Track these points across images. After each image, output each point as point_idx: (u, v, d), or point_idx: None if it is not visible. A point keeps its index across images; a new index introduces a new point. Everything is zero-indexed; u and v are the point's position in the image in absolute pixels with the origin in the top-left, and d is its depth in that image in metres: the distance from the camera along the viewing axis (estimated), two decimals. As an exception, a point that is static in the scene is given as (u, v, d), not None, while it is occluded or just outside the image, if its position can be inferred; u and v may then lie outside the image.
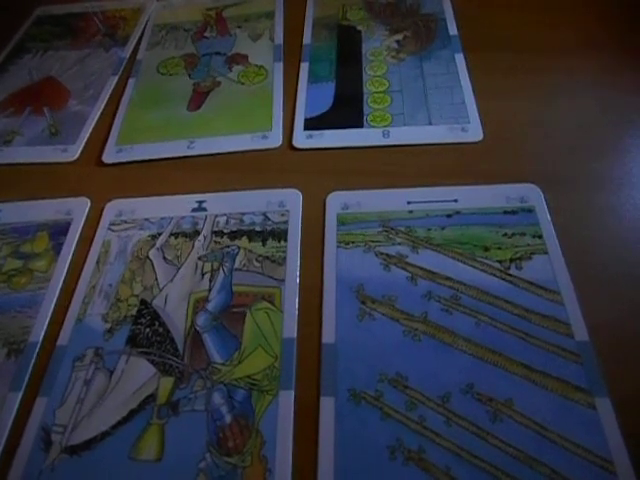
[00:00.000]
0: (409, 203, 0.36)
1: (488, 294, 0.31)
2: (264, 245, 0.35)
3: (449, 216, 0.35)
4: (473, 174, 0.37)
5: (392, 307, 0.31)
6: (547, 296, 0.31)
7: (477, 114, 0.41)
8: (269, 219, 0.36)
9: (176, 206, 0.38)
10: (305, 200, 0.37)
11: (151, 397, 0.30)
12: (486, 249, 0.33)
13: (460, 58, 0.45)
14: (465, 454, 0.26)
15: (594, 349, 0.29)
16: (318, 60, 0.47)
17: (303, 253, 0.34)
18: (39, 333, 0.33)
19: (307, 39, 0.49)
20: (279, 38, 0.50)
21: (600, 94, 0.42)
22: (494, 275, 0.32)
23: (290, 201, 0.37)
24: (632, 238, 0.33)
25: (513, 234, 0.34)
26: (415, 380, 0.29)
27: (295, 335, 0.31)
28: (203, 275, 0.34)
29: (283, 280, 0.33)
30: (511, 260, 0.32)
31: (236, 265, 0.34)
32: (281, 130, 0.42)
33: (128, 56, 0.51)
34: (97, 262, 0.36)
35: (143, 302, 0.34)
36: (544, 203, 0.35)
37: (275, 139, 0.41)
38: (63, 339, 0.32)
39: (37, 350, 0.32)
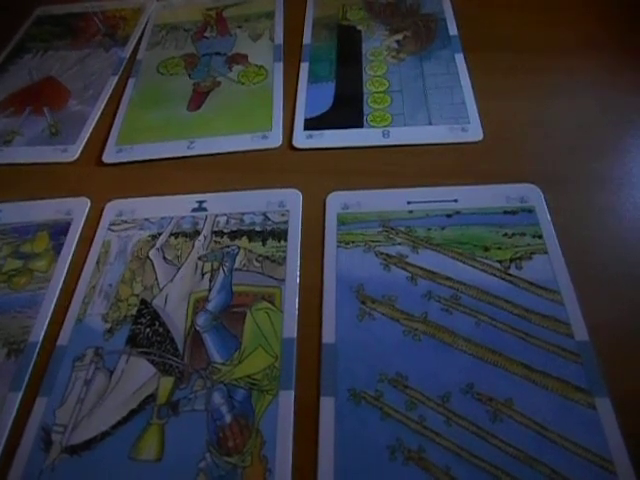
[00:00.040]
0: (409, 203, 0.36)
1: (488, 294, 0.31)
2: (264, 245, 0.35)
3: (449, 216, 0.35)
4: (473, 174, 0.37)
5: (392, 307, 0.31)
6: (547, 296, 0.31)
7: (477, 114, 0.41)
8: (269, 219, 0.36)
9: (176, 206, 0.38)
10: (305, 200, 0.37)
11: (151, 397, 0.30)
12: (486, 249, 0.33)
13: (460, 58, 0.45)
14: (465, 454, 0.26)
15: (594, 349, 0.29)
16: (318, 60, 0.47)
17: (303, 253, 0.34)
18: (39, 333, 0.33)
19: (307, 39, 0.49)
20: (279, 38, 0.50)
21: (600, 94, 0.42)
22: (494, 275, 0.32)
23: (290, 201, 0.37)
24: (632, 238, 0.33)
25: (513, 234, 0.34)
26: (415, 380, 0.29)
27: (295, 335, 0.31)
28: (203, 275, 0.34)
29: (283, 280, 0.33)
30: (511, 260, 0.32)
31: (236, 265, 0.34)
32: (281, 130, 0.42)
33: (128, 56, 0.51)
34: (97, 262, 0.36)
35: (143, 302, 0.34)
36: (544, 203, 0.35)
37: (275, 139, 0.41)
38: (63, 339, 0.32)
39: (37, 350, 0.32)
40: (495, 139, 0.39)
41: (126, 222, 0.38)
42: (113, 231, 0.37)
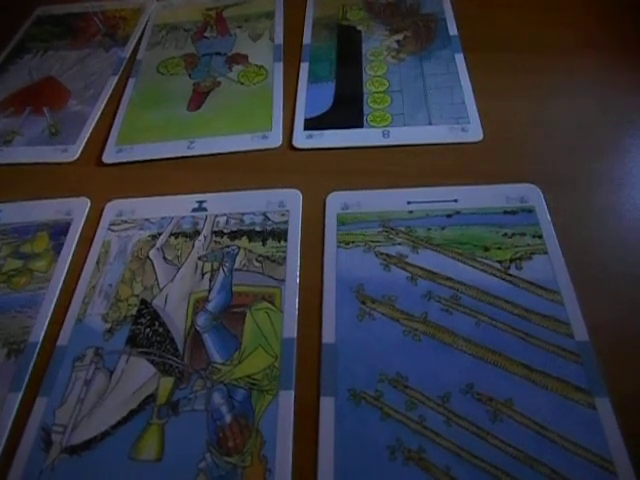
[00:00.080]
0: (409, 203, 0.36)
1: (488, 294, 0.31)
2: (264, 245, 0.35)
3: (449, 216, 0.35)
4: (473, 174, 0.37)
5: (392, 307, 0.31)
6: (547, 296, 0.31)
7: (477, 114, 0.41)
8: (269, 219, 0.36)
9: (176, 206, 0.38)
10: (305, 200, 0.37)
11: (151, 397, 0.30)
12: (486, 249, 0.33)
13: (460, 58, 0.45)
14: (465, 454, 0.26)
15: (594, 349, 0.29)
16: (318, 60, 0.47)
17: (303, 253, 0.34)
18: (39, 333, 0.33)
19: (307, 39, 0.49)
20: (279, 38, 0.50)
21: (600, 94, 0.42)
22: (494, 275, 0.32)
23: (290, 201, 0.37)
24: (632, 238, 0.33)
25: (513, 234, 0.34)
26: (415, 380, 0.29)
27: (295, 335, 0.31)
28: (203, 275, 0.34)
29: (283, 280, 0.33)
30: (511, 260, 0.32)
31: (236, 265, 0.34)
32: (281, 130, 0.42)
33: (128, 56, 0.51)
34: (97, 262, 0.36)
35: (143, 302, 0.34)
36: (544, 203, 0.35)
37: (275, 139, 0.41)
38: (63, 339, 0.32)
39: (37, 350, 0.32)
40: (495, 139, 0.39)
41: (126, 222, 0.38)
42: (113, 231, 0.37)
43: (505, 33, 0.47)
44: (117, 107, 0.46)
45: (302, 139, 0.41)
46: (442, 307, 0.31)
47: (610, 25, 0.47)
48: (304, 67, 0.47)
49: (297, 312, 0.32)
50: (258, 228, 0.36)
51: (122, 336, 0.32)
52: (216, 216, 0.37)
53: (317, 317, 0.31)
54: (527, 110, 0.41)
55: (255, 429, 0.28)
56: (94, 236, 0.37)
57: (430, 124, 0.41)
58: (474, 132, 0.40)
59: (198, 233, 0.36)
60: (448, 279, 0.32)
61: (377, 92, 0.44)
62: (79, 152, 0.43)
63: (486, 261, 0.33)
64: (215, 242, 0.36)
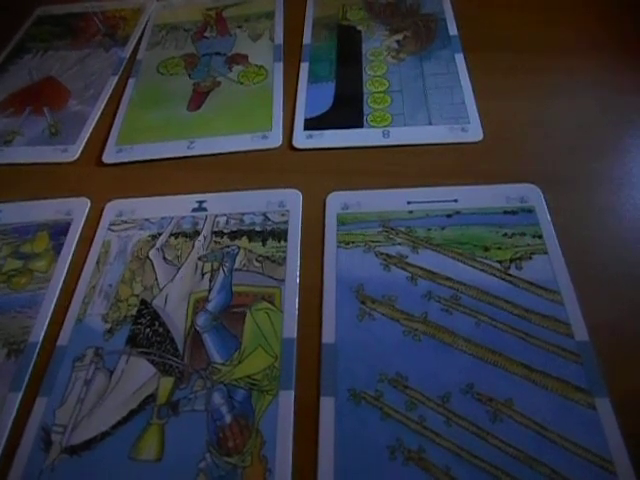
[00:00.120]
0: (409, 203, 0.36)
1: (488, 294, 0.31)
2: (264, 245, 0.35)
3: (449, 216, 0.35)
4: (473, 174, 0.37)
5: (392, 307, 0.31)
6: (547, 296, 0.31)
7: (477, 114, 0.41)
8: (269, 219, 0.36)
9: (176, 206, 0.38)
10: (305, 200, 0.37)
11: (151, 397, 0.30)
12: (486, 249, 0.33)
13: (460, 58, 0.45)
14: (465, 454, 0.26)
15: (594, 349, 0.29)
16: (318, 60, 0.47)
17: (303, 253, 0.34)
18: (39, 333, 0.33)
19: (307, 39, 0.49)
20: (279, 38, 0.50)
21: (600, 94, 0.42)
22: (494, 275, 0.32)
23: (290, 201, 0.37)
24: (632, 238, 0.33)
25: (513, 234, 0.34)
26: (415, 380, 0.29)
27: (295, 335, 0.31)
28: (203, 275, 0.34)
29: (283, 280, 0.33)
30: (511, 260, 0.32)
31: (236, 265, 0.34)
32: (281, 130, 0.42)
33: (128, 56, 0.51)
34: (97, 262, 0.36)
35: (143, 302, 0.34)
36: (544, 203, 0.35)
37: (275, 139, 0.41)
38: (63, 339, 0.32)
39: (37, 350, 0.32)
40: (495, 139, 0.39)
41: (126, 222, 0.38)
42: (113, 231, 0.37)
43: (505, 33, 0.47)
44: (117, 107, 0.46)
45: (302, 139, 0.41)
46: (442, 307, 0.31)
47: (610, 25, 0.47)
48: (304, 67, 0.47)
49: (297, 312, 0.32)
50: (258, 228, 0.36)
51: (122, 336, 0.32)
52: (216, 216, 0.37)
53: (317, 317, 0.31)
54: (527, 110, 0.41)
55: (255, 429, 0.28)
56: (94, 236, 0.37)
57: (430, 124, 0.41)
58: (474, 132, 0.40)
59: (198, 233, 0.36)
60: (448, 279, 0.32)
61: (377, 92, 0.44)
62: (79, 152, 0.43)
63: (486, 261, 0.33)
64: (215, 242, 0.36)
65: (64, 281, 0.35)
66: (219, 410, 0.29)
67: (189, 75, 0.48)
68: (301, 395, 0.29)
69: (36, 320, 0.33)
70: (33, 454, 0.28)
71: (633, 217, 0.34)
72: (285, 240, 0.35)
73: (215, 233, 0.36)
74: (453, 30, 0.48)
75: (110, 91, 0.48)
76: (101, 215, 0.38)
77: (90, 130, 0.45)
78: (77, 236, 0.37)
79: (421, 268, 0.33)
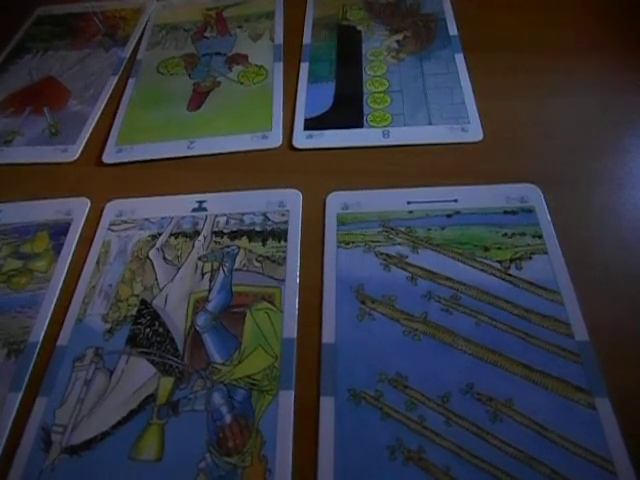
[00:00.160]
0: (409, 203, 0.36)
1: (488, 294, 0.31)
2: (264, 245, 0.35)
3: (449, 216, 0.35)
4: (473, 174, 0.37)
5: (392, 307, 0.31)
6: (547, 296, 0.31)
7: (477, 114, 0.41)
8: (269, 219, 0.36)
9: (176, 206, 0.38)
10: (305, 200, 0.37)
11: (151, 397, 0.30)
12: (486, 249, 0.33)
13: (460, 58, 0.45)
14: (465, 454, 0.26)
15: (594, 349, 0.29)
16: (318, 60, 0.47)
17: (303, 253, 0.34)
18: (39, 333, 0.33)
19: (307, 39, 0.49)
20: (279, 38, 0.50)
21: (600, 94, 0.42)
22: (494, 275, 0.32)
23: (290, 201, 0.37)
24: (632, 238, 0.33)
25: (513, 234, 0.34)
26: (415, 380, 0.29)
27: (295, 335, 0.31)
28: (203, 275, 0.34)
29: (283, 280, 0.33)
30: (511, 260, 0.32)
31: (236, 265, 0.34)
32: (281, 130, 0.42)
33: (128, 56, 0.51)
34: (97, 262, 0.36)
35: (143, 302, 0.34)
36: (544, 203, 0.35)
37: (275, 139, 0.41)
38: (63, 339, 0.32)
39: (37, 350, 0.32)
40: (495, 139, 0.39)
41: (126, 222, 0.38)
42: (113, 231, 0.37)
43: (505, 33, 0.47)
44: (117, 107, 0.46)
45: (302, 139, 0.41)
46: (442, 307, 0.31)
47: (610, 25, 0.47)
48: (304, 67, 0.47)
49: (297, 312, 0.32)
50: (258, 228, 0.36)
51: (122, 336, 0.32)
52: (216, 216, 0.37)
53: (317, 317, 0.31)
54: (527, 110, 0.41)
55: (255, 429, 0.28)
56: (94, 236, 0.37)
57: (430, 124, 0.41)
58: (474, 132, 0.40)
59: (198, 233, 0.36)
60: (448, 279, 0.32)
61: (377, 92, 0.44)
62: (79, 152, 0.43)
63: (486, 261, 0.33)
64: (215, 242, 0.36)
65: (64, 281, 0.35)
66: (219, 410, 0.29)
67: (189, 75, 0.48)
68: (301, 395, 0.29)
69: (36, 320, 0.33)
70: (33, 454, 0.28)
71: (633, 217, 0.34)
72: (285, 240, 0.35)
73: (215, 233, 0.36)
74: (453, 30, 0.48)
75: (110, 91, 0.48)
76: (101, 215, 0.38)
77: (90, 130, 0.45)
78: (77, 236, 0.37)
79: (421, 268, 0.33)
